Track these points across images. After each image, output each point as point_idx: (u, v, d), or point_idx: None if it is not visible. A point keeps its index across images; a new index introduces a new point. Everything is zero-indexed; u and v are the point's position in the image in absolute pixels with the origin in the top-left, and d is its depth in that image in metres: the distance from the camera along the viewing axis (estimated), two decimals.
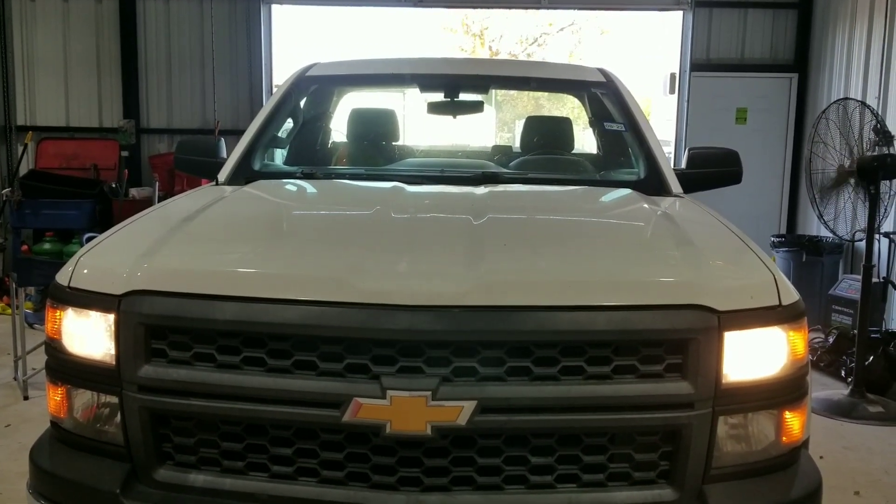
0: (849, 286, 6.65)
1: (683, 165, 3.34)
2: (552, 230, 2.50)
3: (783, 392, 1.95)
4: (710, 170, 3.32)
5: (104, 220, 7.90)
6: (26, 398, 4.99)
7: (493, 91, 8.57)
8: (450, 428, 1.78)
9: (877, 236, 5.33)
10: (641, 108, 3.67)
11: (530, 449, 1.86)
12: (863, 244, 5.36)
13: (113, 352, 1.92)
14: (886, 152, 5.24)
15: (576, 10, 13.62)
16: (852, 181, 5.34)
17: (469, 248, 2.06)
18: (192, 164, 3.48)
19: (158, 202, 5.97)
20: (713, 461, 1.89)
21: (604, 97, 3.83)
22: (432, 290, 1.83)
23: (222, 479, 1.90)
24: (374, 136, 3.97)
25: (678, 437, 1.86)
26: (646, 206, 2.74)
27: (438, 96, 3.93)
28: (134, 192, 8.44)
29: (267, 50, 9.24)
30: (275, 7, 9.32)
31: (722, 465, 1.90)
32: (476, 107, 4.08)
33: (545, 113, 17.15)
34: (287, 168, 3.59)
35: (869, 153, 5.29)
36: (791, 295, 1.98)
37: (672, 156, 8.60)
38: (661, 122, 9.24)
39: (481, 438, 1.84)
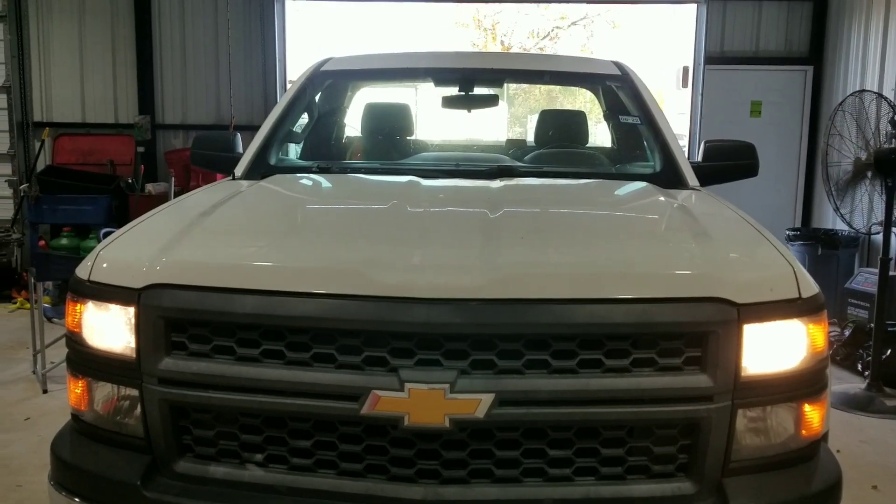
0: (865, 279, 6.60)
1: (699, 158, 3.32)
2: (569, 223, 2.50)
3: (803, 385, 1.94)
4: (727, 163, 3.30)
5: (120, 215, 7.94)
6: (45, 391, 5.04)
7: (506, 85, 8.55)
8: (468, 420, 1.78)
9: (894, 229, 5.27)
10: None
11: (548, 442, 1.85)
12: (879, 237, 5.33)
13: (133, 345, 1.94)
14: None
15: (588, 4, 13.59)
16: (869, 174, 5.30)
17: (486, 241, 2.06)
18: (209, 158, 3.49)
19: (174, 197, 6.01)
20: (732, 454, 1.88)
21: (619, 90, 3.80)
22: (450, 284, 1.83)
23: (242, 470, 1.91)
24: (389, 130, 3.97)
25: (697, 430, 1.85)
26: (662, 198, 2.73)
27: (453, 90, 3.92)
28: (150, 187, 8.51)
29: (281, 45, 9.26)
30: (288, 3, 9.33)
31: (741, 458, 1.89)
32: (491, 100, 4.06)
33: (556, 107, 17.08)
34: (303, 163, 3.60)
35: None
36: (811, 287, 1.96)
37: (686, 149, 8.56)
38: (674, 115, 9.19)
39: (499, 431, 1.84)
